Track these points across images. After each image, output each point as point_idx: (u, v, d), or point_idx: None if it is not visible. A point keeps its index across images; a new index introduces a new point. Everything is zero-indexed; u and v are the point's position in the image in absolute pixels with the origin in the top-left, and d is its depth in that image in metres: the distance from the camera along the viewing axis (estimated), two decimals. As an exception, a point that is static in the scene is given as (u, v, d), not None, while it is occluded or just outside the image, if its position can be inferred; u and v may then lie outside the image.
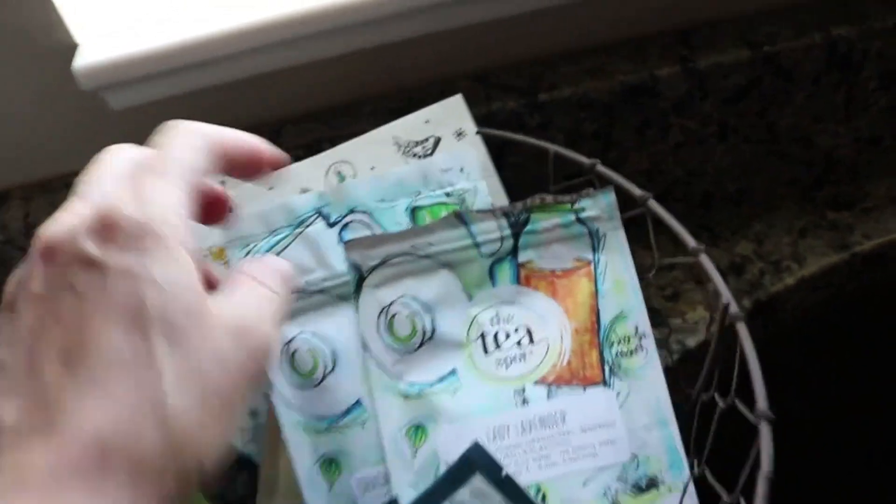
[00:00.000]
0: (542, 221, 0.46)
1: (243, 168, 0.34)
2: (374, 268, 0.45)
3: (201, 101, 0.61)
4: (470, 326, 0.45)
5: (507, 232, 0.45)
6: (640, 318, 0.46)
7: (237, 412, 0.28)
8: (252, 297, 0.30)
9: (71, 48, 0.56)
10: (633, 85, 0.61)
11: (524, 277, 0.46)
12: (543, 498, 0.42)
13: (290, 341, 0.44)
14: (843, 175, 0.73)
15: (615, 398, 0.45)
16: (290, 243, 0.47)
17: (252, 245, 0.47)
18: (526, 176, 0.61)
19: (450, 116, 0.53)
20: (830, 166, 0.72)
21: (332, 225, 0.47)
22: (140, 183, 0.29)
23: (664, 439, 0.45)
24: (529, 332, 0.45)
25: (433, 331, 0.45)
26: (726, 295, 0.41)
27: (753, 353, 0.39)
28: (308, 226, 0.47)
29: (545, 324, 0.45)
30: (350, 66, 0.61)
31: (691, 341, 0.64)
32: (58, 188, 0.64)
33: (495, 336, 0.45)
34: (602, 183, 0.49)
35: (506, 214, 0.46)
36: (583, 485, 0.43)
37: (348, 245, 0.45)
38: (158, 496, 0.25)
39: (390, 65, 0.62)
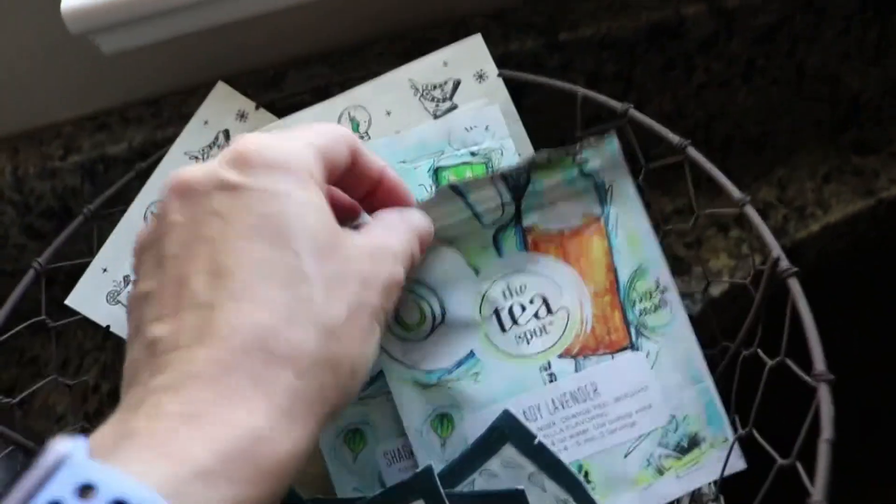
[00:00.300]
0: (544, 180, 0.42)
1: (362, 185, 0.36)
2: None
3: (198, 44, 0.57)
4: (481, 304, 0.42)
5: (508, 197, 0.42)
6: (660, 270, 0.44)
7: (378, 331, 0.30)
8: (383, 236, 0.33)
9: (58, -13, 0.52)
10: (657, 23, 0.58)
11: (531, 243, 0.42)
12: (586, 475, 0.40)
13: None
14: (869, 118, 0.70)
15: (645, 360, 0.42)
16: None
17: None
18: (545, 119, 0.58)
19: (469, 58, 0.50)
20: (857, 109, 0.69)
21: None
22: (276, 137, 0.30)
23: (700, 395, 0.43)
24: (546, 302, 0.42)
25: (443, 314, 0.41)
26: (776, 249, 0.39)
27: (808, 310, 0.37)
28: None
29: (561, 291, 0.42)
30: (357, 5, 0.57)
31: (715, 290, 0.62)
32: (48, 138, 0.61)
33: (510, 311, 0.42)
34: (634, 128, 0.46)
35: (504, 178, 0.42)
36: (624, 456, 0.41)
37: None
38: (320, 395, 0.26)
39: (400, 3, 0.58)
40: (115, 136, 0.59)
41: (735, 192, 0.41)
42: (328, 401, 0.27)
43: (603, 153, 0.44)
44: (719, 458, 0.43)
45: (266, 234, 0.27)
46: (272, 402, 0.25)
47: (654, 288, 0.44)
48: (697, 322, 0.61)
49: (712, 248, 0.64)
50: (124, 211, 0.51)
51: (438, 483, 0.37)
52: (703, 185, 0.43)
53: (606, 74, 0.60)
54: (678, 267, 0.64)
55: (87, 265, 0.50)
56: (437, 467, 0.40)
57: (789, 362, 0.37)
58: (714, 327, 0.47)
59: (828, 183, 0.68)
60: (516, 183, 0.42)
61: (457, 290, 0.41)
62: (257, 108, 0.54)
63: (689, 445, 0.42)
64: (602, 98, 0.47)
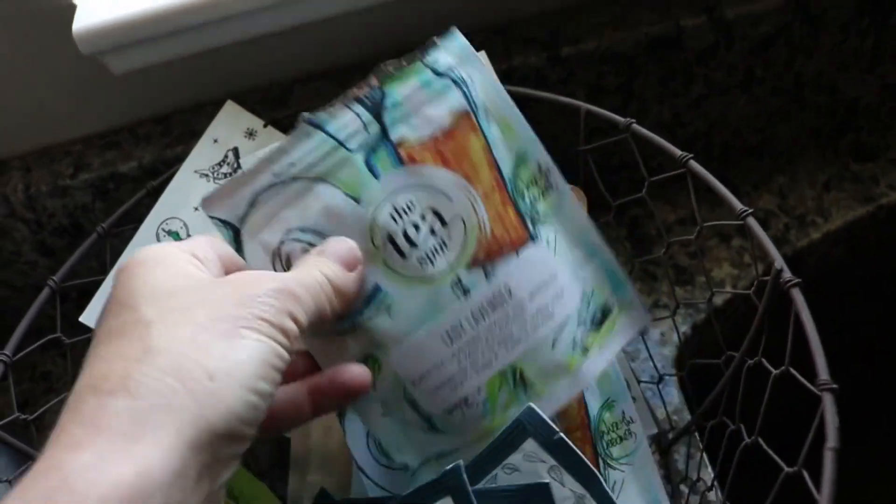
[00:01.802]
0: (400, 90, 0.39)
1: None
2: (244, 215, 0.38)
3: (206, 62, 0.58)
4: (371, 233, 0.38)
5: (368, 116, 0.38)
6: (539, 153, 0.42)
7: (250, 336, 0.30)
8: (300, 273, 0.34)
9: (69, 9, 0.53)
10: (657, 36, 0.59)
11: (406, 157, 0.39)
12: (521, 375, 0.40)
13: (278, 246, 0.38)
14: (867, 124, 0.71)
15: (547, 248, 0.41)
16: None
17: None
18: (548, 132, 0.59)
19: (473, 74, 0.51)
20: (854, 115, 0.70)
21: None
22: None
23: (601, 266, 0.44)
24: (437, 214, 0.39)
25: None
26: (779, 260, 0.40)
27: (811, 320, 0.37)
28: None
29: (450, 199, 0.39)
30: (362, 23, 0.58)
31: (718, 299, 0.62)
32: (59, 157, 0.62)
33: (405, 234, 0.38)
34: (637, 142, 0.47)
35: (358, 100, 0.38)
36: (552, 346, 0.41)
37: (207, 203, 0.38)
38: (167, 405, 0.27)
39: (404, 20, 0.59)
40: (125, 155, 0.60)
41: (737, 203, 0.42)
42: (183, 407, 0.27)
43: (451, 49, 0.41)
44: (627, 320, 0.44)
45: (111, 314, 0.30)
46: (104, 432, 0.26)
47: (538, 171, 0.42)
48: (701, 331, 0.62)
49: (715, 257, 0.65)
50: (135, 228, 0.51)
51: (466, 481, 0.37)
52: (705, 194, 0.44)
53: (607, 87, 0.61)
54: (682, 277, 0.65)
55: (99, 282, 0.51)
56: (376, 409, 0.40)
57: (794, 372, 0.38)
58: (718, 336, 0.48)
59: (828, 190, 0.69)
60: (372, 100, 0.39)
61: (343, 225, 0.38)
62: (265, 125, 0.54)
63: (602, 316, 0.43)
64: (605, 113, 0.48)
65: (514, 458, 0.39)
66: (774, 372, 0.40)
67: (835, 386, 0.35)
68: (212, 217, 0.38)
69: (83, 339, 0.50)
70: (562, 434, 0.39)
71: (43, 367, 0.71)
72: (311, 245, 0.38)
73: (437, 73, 0.40)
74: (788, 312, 0.39)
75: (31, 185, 0.60)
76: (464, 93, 0.40)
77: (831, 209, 0.67)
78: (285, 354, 0.31)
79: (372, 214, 0.38)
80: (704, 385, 0.50)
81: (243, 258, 0.38)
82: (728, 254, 0.65)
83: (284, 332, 0.31)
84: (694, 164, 0.44)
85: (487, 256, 0.39)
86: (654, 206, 0.49)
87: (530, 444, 0.39)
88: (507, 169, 0.41)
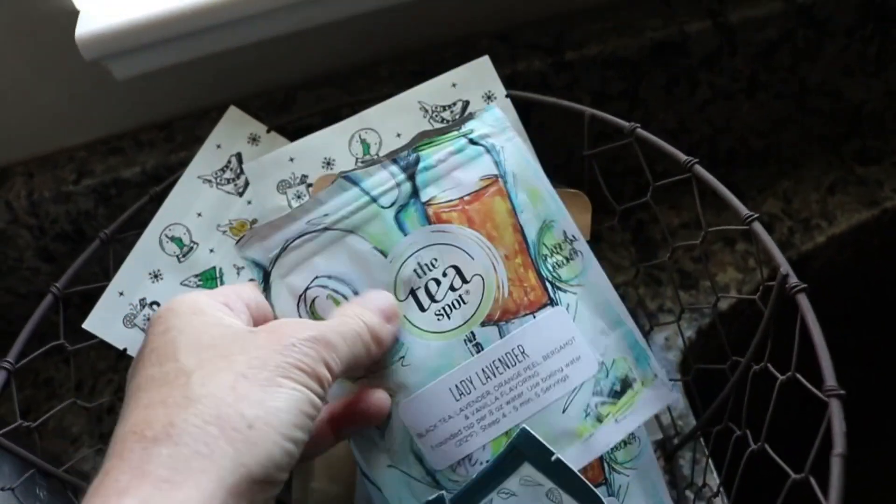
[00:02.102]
0: (434, 154, 0.42)
1: None
2: (275, 258, 0.41)
3: (209, 67, 0.58)
4: (395, 285, 0.40)
5: (401, 176, 0.41)
6: (564, 222, 0.43)
7: (287, 384, 0.31)
8: (336, 322, 0.36)
9: (71, 15, 0.53)
10: (662, 41, 0.59)
11: (434, 215, 0.41)
12: None
13: (305, 291, 0.41)
14: (871, 129, 0.71)
15: (566, 313, 0.42)
16: None
17: None
18: (553, 137, 0.59)
19: (478, 79, 0.51)
20: (859, 120, 0.70)
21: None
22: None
23: (624, 337, 0.43)
24: (459, 271, 0.41)
25: None
26: (784, 265, 0.40)
27: (817, 326, 0.37)
28: None
29: (472, 258, 0.41)
30: (365, 28, 0.58)
31: (723, 304, 0.62)
32: (62, 163, 0.62)
33: (426, 288, 0.40)
34: (642, 147, 0.47)
35: (394, 161, 0.41)
36: (563, 412, 0.40)
37: (240, 244, 0.41)
38: (207, 451, 0.28)
39: (408, 25, 0.59)
40: (128, 160, 0.60)
41: (742, 209, 0.42)
42: (223, 454, 0.28)
43: (487, 120, 0.43)
44: (653, 395, 0.43)
45: (151, 362, 0.32)
46: (148, 478, 0.27)
47: (563, 239, 0.43)
48: (706, 335, 0.62)
49: (719, 262, 0.65)
50: (138, 234, 0.51)
51: None
52: (710, 198, 0.44)
53: (612, 92, 0.61)
54: (686, 282, 0.64)
55: (101, 288, 0.51)
56: (383, 458, 0.40)
57: (800, 377, 0.38)
58: (724, 341, 0.48)
59: (832, 194, 0.68)
60: (406, 162, 0.41)
61: (369, 276, 0.40)
62: (268, 131, 0.54)
63: (621, 389, 0.42)
64: (609, 117, 0.47)
65: (511, 483, 0.39)
66: (781, 378, 0.39)
67: (842, 392, 0.35)
68: (244, 257, 0.41)
69: (86, 345, 0.50)
70: (559, 456, 0.39)
71: (45, 374, 0.70)
72: (336, 292, 0.40)
73: (472, 142, 0.43)
74: (794, 317, 0.39)
75: (33, 191, 0.60)
76: (494, 160, 0.42)
77: (836, 213, 0.67)
78: (319, 402, 0.32)
79: (398, 268, 0.40)
80: (709, 390, 0.50)
81: (269, 298, 0.40)
82: (733, 258, 0.65)
83: (319, 380, 0.33)
84: (699, 169, 0.44)
85: (503, 315, 0.41)
86: (658, 210, 0.48)
87: (527, 468, 0.39)
88: (531, 234, 0.42)
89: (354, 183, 0.41)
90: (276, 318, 0.40)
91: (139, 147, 0.61)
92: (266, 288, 0.40)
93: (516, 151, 0.43)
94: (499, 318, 0.40)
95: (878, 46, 0.64)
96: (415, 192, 0.41)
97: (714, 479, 0.52)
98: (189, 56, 0.56)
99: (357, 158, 0.50)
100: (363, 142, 0.50)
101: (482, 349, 0.40)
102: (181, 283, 0.51)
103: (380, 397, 0.39)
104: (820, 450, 0.35)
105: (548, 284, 0.42)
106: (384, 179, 0.41)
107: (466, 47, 0.60)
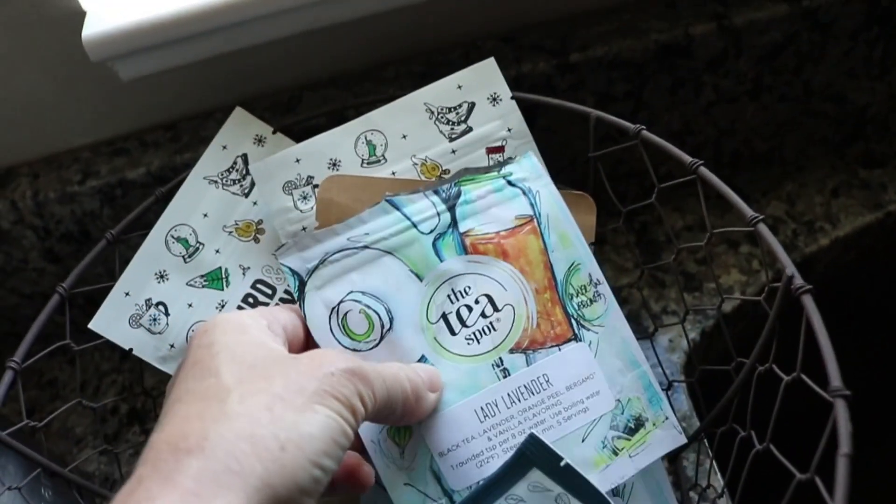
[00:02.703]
0: (474, 191, 0.45)
1: None
2: (313, 269, 0.43)
3: (214, 68, 0.58)
4: (427, 308, 0.43)
5: (442, 207, 0.44)
6: (591, 266, 0.45)
7: (321, 410, 0.32)
8: (381, 364, 0.37)
9: (78, 16, 0.53)
10: (666, 44, 0.59)
11: (470, 245, 0.44)
12: None
13: (338, 304, 0.42)
14: (876, 132, 0.71)
15: (589, 350, 0.44)
16: None
17: None
18: (558, 139, 0.59)
19: (483, 81, 0.51)
20: (863, 123, 0.70)
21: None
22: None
23: (639, 378, 0.45)
24: (491, 300, 0.43)
25: (391, 321, 0.42)
26: (790, 266, 0.40)
27: (822, 327, 0.37)
28: None
29: (505, 288, 0.43)
30: (370, 29, 0.58)
31: (727, 305, 0.62)
32: (68, 164, 0.62)
33: (458, 314, 0.43)
34: (647, 149, 0.47)
35: (436, 192, 0.44)
36: (582, 441, 0.42)
37: (281, 252, 0.43)
38: (237, 466, 0.29)
39: (412, 26, 0.59)
40: (134, 161, 0.60)
41: (747, 210, 0.42)
42: (252, 472, 0.29)
43: (524, 166, 0.46)
44: (663, 436, 0.45)
45: (193, 375, 0.33)
46: (176, 490, 0.28)
47: (588, 282, 0.45)
48: (710, 337, 0.62)
49: (723, 263, 0.65)
50: (144, 235, 0.51)
51: None
52: (713, 199, 0.44)
53: (617, 94, 0.61)
54: (690, 283, 0.64)
55: (107, 289, 0.51)
56: (401, 476, 0.41)
57: (805, 378, 0.38)
58: (728, 342, 0.48)
59: (836, 197, 0.69)
60: (448, 195, 0.44)
61: (403, 296, 0.42)
62: (274, 132, 0.54)
63: (635, 426, 0.44)
64: (615, 119, 0.47)
65: (519, 489, 0.40)
66: (786, 378, 0.39)
67: (847, 392, 0.35)
68: (282, 264, 0.43)
69: (91, 345, 0.50)
70: (568, 461, 0.39)
71: (49, 374, 0.71)
72: (369, 308, 0.42)
73: (510, 183, 0.45)
74: (799, 318, 0.39)
75: (39, 192, 0.60)
76: (530, 202, 0.45)
77: (840, 216, 0.67)
78: (351, 434, 0.33)
79: (432, 292, 0.43)
80: (713, 391, 0.50)
81: (303, 307, 0.42)
82: (736, 260, 0.65)
83: (353, 412, 0.33)
84: (705, 171, 0.44)
85: (531, 345, 0.43)
86: (662, 212, 0.48)
87: (535, 474, 0.39)
88: (560, 273, 0.44)
89: (397, 207, 0.43)
90: (306, 328, 0.41)
91: (144, 148, 0.61)
92: (300, 297, 0.42)
93: (550, 197, 0.46)
94: (526, 347, 0.43)
95: (883, 49, 0.64)
96: (454, 223, 0.44)
97: (718, 481, 0.52)
98: (195, 57, 0.56)
99: (363, 160, 0.50)
100: (369, 143, 0.50)
101: (509, 374, 0.42)
102: (187, 284, 0.51)
103: (368, 473, 0.40)
104: (825, 450, 0.35)
105: (573, 321, 0.44)
106: (425, 207, 0.44)
107: (471, 49, 0.60)
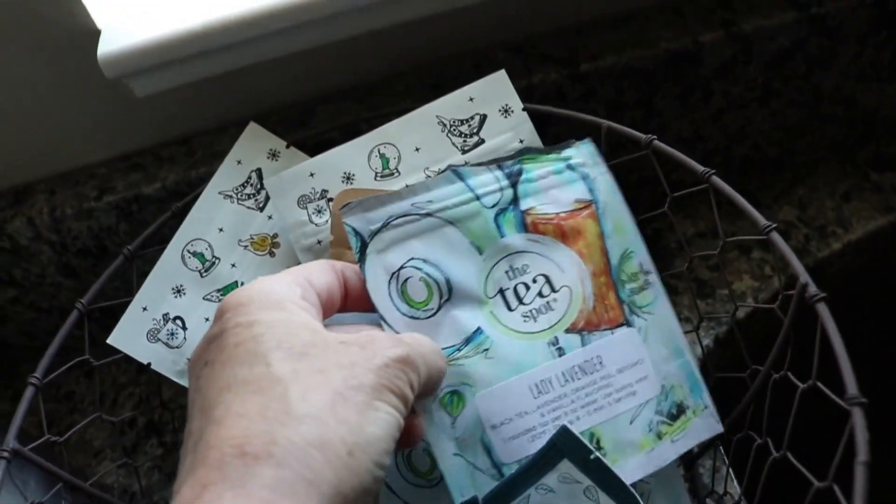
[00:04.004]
0: (536, 170, 0.45)
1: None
2: (376, 231, 0.42)
3: (228, 83, 0.59)
4: (486, 281, 0.43)
5: (505, 182, 0.44)
6: (643, 255, 0.46)
7: (382, 408, 0.31)
8: (419, 340, 0.37)
9: (93, 34, 0.54)
10: (676, 52, 0.59)
11: (531, 224, 0.44)
12: (598, 442, 0.42)
13: (399, 269, 0.42)
14: (886, 135, 0.71)
15: (638, 335, 0.44)
16: None
17: None
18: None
19: (494, 93, 0.51)
20: (873, 126, 0.70)
21: None
22: (260, 280, 0.35)
23: (682, 367, 0.45)
24: (549, 280, 0.43)
25: (450, 290, 0.42)
26: (804, 275, 0.40)
27: (837, 335, 0.37)
28: None
29: (562, 270, 0.44)
30: (382, 42, 0.59)
31: (740, 312, 0.62)
32: (84, 179, 0.62)
33: (515, 290, 0.43)
34: (658, 158, 0.47)
35: (499, 167, 0.44)
36: (630, 423, 0.43)
37: (346, 210, 0.42)
38: (311, 476, 0.28)
39: (424, 39, 0.60)
40: (149, 176, 0.61)
41: (760, 218, 0.42)
42: (324, 480, 0.28)
43: (583, 152, 0.46)
44: (701, 424, 0.45)
45: (240, 358, 0.31)
46: (254, 499, 0.27)
47: (639, 270, 0.46)
48: (724, 344, 0.62)
49: (735, 270, 0.65)
50: (160, 250, 0.52)
51: None
52: (725, 206, 0.44)
53: (627, 102, 0.61)
54: (703, 290, 0.65)
55: (125, 304, 0.51)
56: (451, 446, 0.40)
57: (821, 386, 0.38)
58: (742, 350, 0.48)
59: (848, 201, 0.69)
60: (511, 171, 0.44)
61: (462, 267, 0.42)
62: (288, 146, 0.55)
63: (677, 413, 0.44)
64: (626, 130, 0.48)
65: (549, 479, 0.40)
66: (802, 386, 0.40)
67: (864, 400, 0.35)
68: (345, 222, 0.42)
69: (110, 360, 0.50)
70: (598, 454, 0.40)
71: (66, 388, 0.71)
72: (429, 276, 0.42)
73: (569, 167, 0.46)
74: (813, 325, 0.39)
75: (55, 208, 0.61)
76: (588, 187, 0.46)
77: (851, 220, 0.67)
78: (402, 425, 0.32)
79: (490, 267, 0.43)
80: (729, 398, 0.50)
81: (363, 268, 0.41)
82: (749, 266, 0.65)
83: (405, 402, 0.33)
84: (717, 180, 0.44)
85: (586, 326, 0.43)
86: (674, 220, 0.49)
87: (565, 465, 0.40)
88: (614, 259, 0.45)
89: (461, 178, 0.43)
90: (344, 289, 0.40)
91: (160, 163, 0.62)
92: (361, 258, 0.41)
93: (607, 185, 0.46)
94: (582, 328, 0.43)
95: (892, 52, 0.64)
96: (515, 200, 0.44)
97: (735, 488, 0.52)
98: (208, 73, 0.56)
99: (376, 173, 0.50)
100: (382, 156, 0.50)
101: (564, 353, 0.42)
102: (204, 298, 0.51)
103: (419, 427, 0.39)
104: (843, 457, 0.35)
105: (625, 306, 0.44)
106: (489, 181, 0.44)
107: (482, 60, 0.61)
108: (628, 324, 0.44)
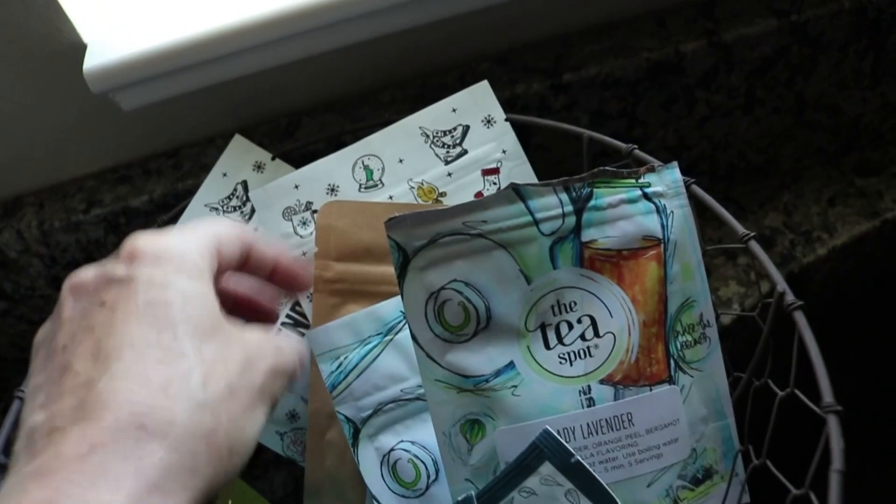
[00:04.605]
0: (607, 196, 0.40)
1: (259, 270, 0.37)
2: (420, 248, 0.39)
3: (214, 96, 0.59)
4: (528, 314, 0.40)
5: (570, 208, 0.40)
6: (705, 305, 0.43)
7: (262, 412, 0.30)
8: (296, 347, 0.34)
9: (79, 49, 0.54)
10: (658, 62, 0.59)
11: (588, 259, 0.40)
12: None
13: (439, 290, 0.40)
14: (870, 141, 0.72)
15: (679, 394, 0.42)
16: (381, 352, 0.45)
17: (343, 357, 0.44)
18: (553, 158, 0.60)
19: (477, 104, 0.52)
20: (857, 133, 0.71)
21: None
22: (168, 234, 0.32)
23: (720, 430, 0.44)
24: (594, 323, 0.40)
25: (488, 319, 0.40)
26: (781, 283, 0.40)
27: (814, 343, 0.38)
28: (397, 332, 0.44)
29: (611, 314, 0.40)
30: (366, 54, 0.59)
31: (725, 318, 0.63)
32: (72, 193, 0.63)
33: (557, 328, 0.40)
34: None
35: (566, 189, 0.40)
36: (647, 486, 0.41)
37: (392, 224, 0.39)
38: (194, 468, 0.27)
39: (407, 50, 0.60)
40: (137, 189, 0.61)
41: (739, 227, 0.42)
42: (203, 475, 0.27)
43: (665, 179, 0.42)
44: (728, 492, 0.43)
45: (148, 319, 0.28)
46: (141, 478, 0.25)
47: (698, 322, 0.43)
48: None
49: (721, 276, 0.65)
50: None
51: None
52: (710, 212, 0.44)
53: (610, 112, 0.62)
54: (688, 296, 0.65)
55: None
56: (463, 472, 0.41)
57: (799, 394, 0.38)
58: (725, 357, 0.48)
59: (833, 206, 0.69)
60: (578, 195, 0.40)
61: (505, 295, 0.40)
62: (273, 158, 0.55)
63: (703, 478, 0.43)
64: (608, 139, 0.48)
65: (531, 482, 0.39)
66: (780, 394, 0.40)
67: (839, 408, 0.35)
68: (389, 237, 0.39)
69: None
70: (578, 458, 0.39)
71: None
72: (469, 301, 0.40)
73: (646, 196, 0.41)
74: (794, 332, 0.39)
75: (44, 221, 0.61)
76: (662, 222, 0.41)
77: (836, 225, 0.68)
78: None
79: (536, 299, 0.40)
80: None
81: (402, 284, 0.39)
82: (735, 272, 0.65)
83: (274, 410, 0.32)
84: (696, 189, 0.45)
85: (623, 380, 0.41)
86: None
87: (547, 468, 0.39)
88: (673, 307, 0.42)
89: (522, 198, 0.40)
90: (403, 300, 0.39)
91: (147, 176, 0.62)
92: (401, 275, 0.40)
93: (684, 221, 0.42)
94: (618, 381, 0.41)
95: (873, 60, 0.64)
96: (577, 229, 0.40)
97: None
98: (194, 86, 0.57)
99: (361, 184, 0.51)
100: (366, 168, 0.51)
101: (594, 405, 0.40)
102: (190, 310, 0.52)
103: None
104: (820, 465, 0.36)
105: (672, 362, 0.42)
106: (552, 205, 0.40)
107: (466, 71, 0.61)
108: (671, 380, 0.41)
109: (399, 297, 0.42)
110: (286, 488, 0.59)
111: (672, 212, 0.42)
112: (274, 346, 0.33)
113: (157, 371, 0.27)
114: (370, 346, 0.45)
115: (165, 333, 0.28)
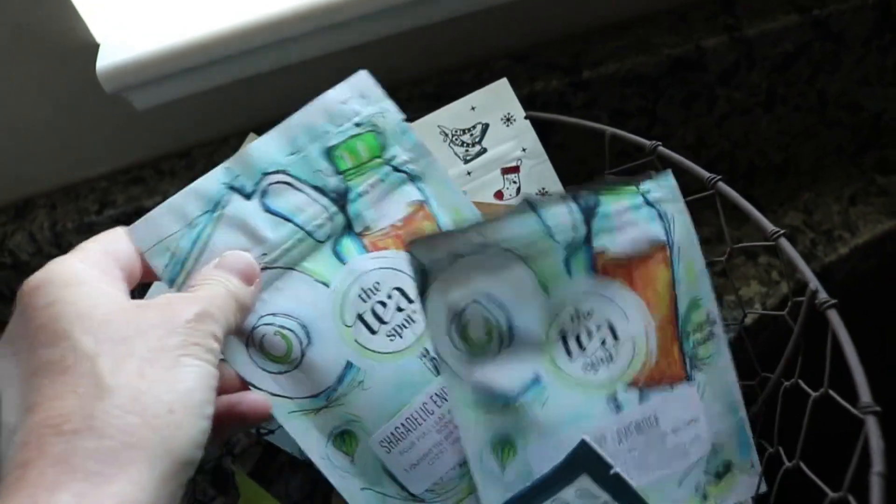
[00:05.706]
0: (612, 204, 0.41)
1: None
2: (440, 268, 0.39)
3: (227, 95, 0.59)
4: (550, 326, 0.40)
5: (580, 217, 0.40)
6: (710, 303, 0.43)
7: (193, 364, 0.31)
8: (210, 291, 0.35)
9: (92, 48, 0.54)
10: (679, 58, 0.58)
11: (601, 267, 0.41)
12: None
13: (462, 310, 0.40)
14: (891, 139, 0.71)
15: (696, 391, 0.42)
16: (213, 231, 0.40)
17: (174, 246, 0.40)
18: (573, 156, 0.59)
19: (496, 101, 0.51)
20: (878, 130, 0.70)
21: (249, 196, 0.41)
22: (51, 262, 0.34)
23: (735, 424, 0.44)
24: (612, 329, 0.41)
25: (511, 334, 0.40)
26: (813, 281, 0.39)
27: (849, 342, 0.37)
28: (225, 206, 0.40)
29: (628, 319, 0.41)
30: (382, 52, 0.59)
31: (748, 318, 0.62)
32: (85, 193, 0.62)
33: (577, 338, 0.41)
34: (663, 165, 0.47)
35: (574, 199, 0.41)
36: (678, 484, 0.41)
37: (411, 245, 0.39)
38: (133, 440, 0.28)
39: (424, 48, 0.60)
40: (150, 189, 0.60)
41: (768, 225, 0.42)
42: (149, 442, 0.28)
43: (662, 186, 0.43)
44: (746, 483, 0.44)
45: (41, 343, 0.30)
46: (78, 472, 0.27)
47: (706, 320, 0.44)
48: (732, 350, 0.61)
49: (742, 275, 0.64)
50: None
51: None
52: (730, 211, 0.44)
53: (630, 109, 0.61)
54: (709, 296, 0.64)
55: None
56: (498, 494, 0.40)
57: (834, 395, 0.37)
58: (751, 357, 0.47)
59: (854, 205, 0.68)
60: (586, 204, 0.41)
61: (526, 309, 0.40)
62: (289, 157, 0.54)
63: (723, 471, 0.43)
64: (631, 136, 0.47)
65: (566, 493, 0.39)
66: (814, 395, 0.39)
67: (878, 408, 0.35)
68: (412, 256, 0.39)
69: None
70: (618, 470, 0.39)
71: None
72: (491, 316, 0.39)
73: (648, 203, 0.42)
74: (822, 330, 0.38)
75: (57, 222, 0.61)
76: (665, 227, 0.42)
77: (858, 223, 0.67)
78: (217, 374, 0.33)
79: (556, 310, 0.40)
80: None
81: (425, 305, 0.39)
82: (756, 271, 0.64)
83: (212, 352, 0.33)
84: (723, 186, 0.44)
85: (646, 382, 0.41)
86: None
87: (584, 480, 0.39)
88: (682, 307, 0.43)
89: (534, 209, 0.40)
90: (426, 321, 0.39)
91: (160, 176, 0.61)
92: (423, 295, 0.39)
93: (684, 224, 0.43)
94: (642, 384, 0.41)
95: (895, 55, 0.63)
96: (588, 238, 0.41)
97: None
98: (207, 85, 0.56)
99: (379, 183, 0.50)
100: (384, 166, 0.50)
101: (621, 410, 0.41)
102: (206, 312, 0.51)
103: (256, 399, 0.38)
104: (858, 467, 0.35)
105: (687, 360, 0.42)
106: (561, 214, 0.40)
107: (484, 69, 0.60)
108: (689, 378, 0.42)
109: (218, 168, 0.41)
110: (303, 491, 0.58)
111: (673, 216, 0.43)
112: (184, 299, 0.34)
113: (63, 381, 0.29)
114: (199, 227, 0.41)
115: (62, 342, 0.30)
